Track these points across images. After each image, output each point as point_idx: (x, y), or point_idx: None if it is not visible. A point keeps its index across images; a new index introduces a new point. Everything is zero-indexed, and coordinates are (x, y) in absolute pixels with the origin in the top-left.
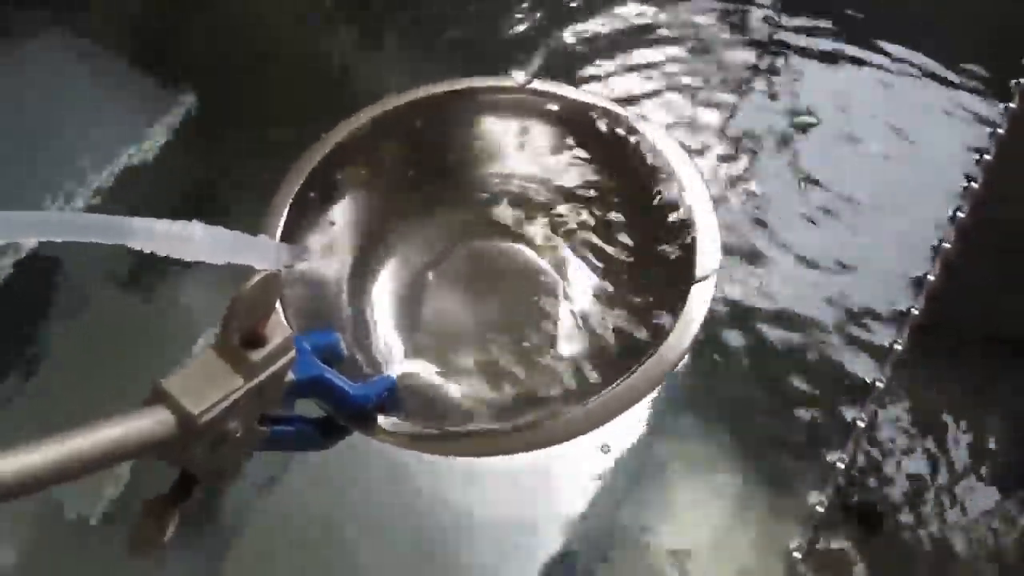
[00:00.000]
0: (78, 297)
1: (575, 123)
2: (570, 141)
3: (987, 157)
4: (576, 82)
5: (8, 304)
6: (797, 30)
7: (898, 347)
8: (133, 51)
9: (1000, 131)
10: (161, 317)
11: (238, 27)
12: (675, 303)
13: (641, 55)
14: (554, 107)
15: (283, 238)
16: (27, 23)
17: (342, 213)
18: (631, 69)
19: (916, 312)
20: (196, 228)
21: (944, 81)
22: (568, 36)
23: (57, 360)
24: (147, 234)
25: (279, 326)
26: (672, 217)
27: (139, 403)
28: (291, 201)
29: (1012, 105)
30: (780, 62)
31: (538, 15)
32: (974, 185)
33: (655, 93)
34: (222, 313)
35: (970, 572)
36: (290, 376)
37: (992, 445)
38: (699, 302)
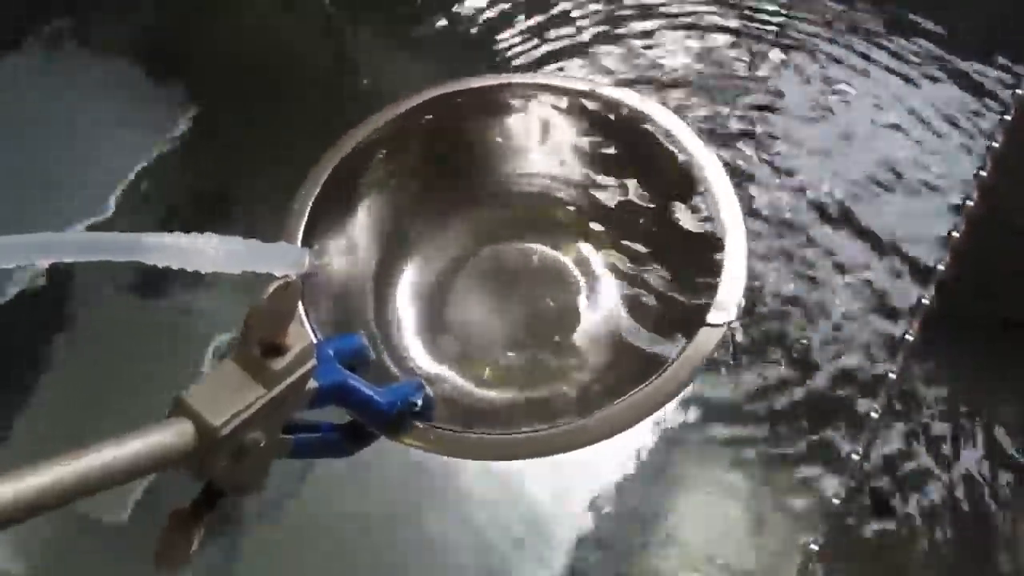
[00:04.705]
0: (92, 305)
1: (602, 119)
2: (597, 138)
3: (995, 144)
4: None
5: (23, 315)
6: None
7: (909, 337)
8: (145, 60)
9: (1008, 118)
10: (177, 323)
11: (249, 33)
12: (697, 311)
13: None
14: (579, 103)
15: (304, 242)
16: (38, 34)
17: (363, 215)
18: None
19: (927, 302)
20: (210, 240)
21: (954, 68)
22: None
23: (71, 370)
24: (159, 249)
25: (299, 333)
26: (701, 230)
27: (150, 409)
28: (311, 204)
29: (1020, 91)
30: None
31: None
32: (983, 174)
33: None
34: (240, 319)
35: (988, 560)
36: (312, 383)
37: (1006, 432)
38: (720, 306)
